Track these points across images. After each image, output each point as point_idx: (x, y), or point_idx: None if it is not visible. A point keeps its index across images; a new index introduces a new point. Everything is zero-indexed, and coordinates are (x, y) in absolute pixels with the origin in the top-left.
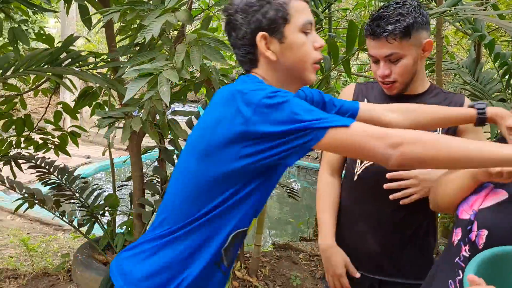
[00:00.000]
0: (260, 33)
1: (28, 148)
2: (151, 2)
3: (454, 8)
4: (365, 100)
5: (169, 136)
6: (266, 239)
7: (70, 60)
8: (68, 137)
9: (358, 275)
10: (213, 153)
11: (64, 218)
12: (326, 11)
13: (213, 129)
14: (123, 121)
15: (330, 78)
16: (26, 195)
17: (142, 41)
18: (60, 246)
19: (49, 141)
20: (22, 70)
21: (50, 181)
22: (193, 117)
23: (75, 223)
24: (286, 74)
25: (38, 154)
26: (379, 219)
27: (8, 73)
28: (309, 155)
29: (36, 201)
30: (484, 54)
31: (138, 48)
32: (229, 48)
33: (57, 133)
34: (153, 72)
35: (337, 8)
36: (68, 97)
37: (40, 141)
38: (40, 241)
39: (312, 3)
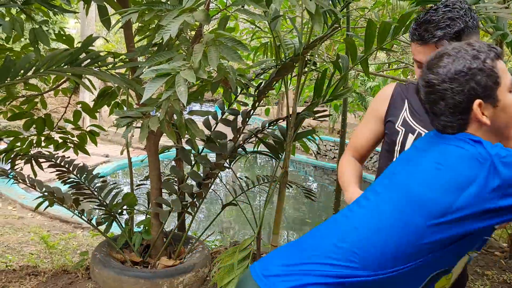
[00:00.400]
0: (477, 101)
1: (48, 147)
2: (169, 2)
3: (476, 6)
4: (406, 101)
5: (186, 136)
6: (282, 240)
7: (89, 60)
8: (87, 136)
9: None
10: (456, 218)
11: (83, 217)
12: (344, 10)
13: (457, 193)
14: (141, 121)
15: (348, 77)
16: (46, 193)
17: (160, 41)
18: (79, 244)
19: (68, 140)
20: (42, 70)
21: (70, 180)
22: (210, 116)
23: (94, 221)
24: (494, 133)
25: (58, 153)
26: None
27: (29, 73)
28: (326, 155)
29: (56, 200)
30: (506, 53)
31: (156, 48)
32: (246, 48)
33: (76, 132)
34: (171, 72)
35: (356, 7)
36: (88, 97)
37: (60, 140)
38: (59, 239)
39: (330, 2)
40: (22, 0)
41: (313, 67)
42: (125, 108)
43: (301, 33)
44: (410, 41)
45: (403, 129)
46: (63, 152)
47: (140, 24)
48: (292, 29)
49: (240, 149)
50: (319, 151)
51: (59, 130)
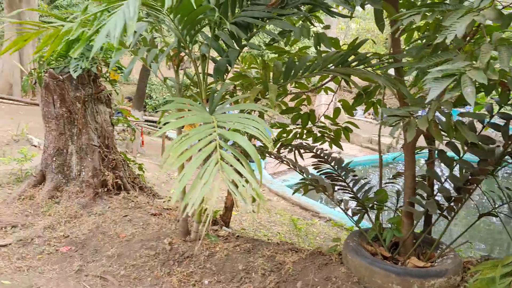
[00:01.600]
0: None
1: (307, 139)
2: (448, 2)
3: None
4: None
5: (446, 138)
6: None
7: (357, 61)
8: (342, 132)
9: None
10: None
11: (341, 206)
12: None
13: None
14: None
15: None
16: (306, 181)
17: (437, 42)
18: (318, 231)
19: (326, 134)
20: (317, 70)
21: (324, 171)
22: (475, 120)
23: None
24: None
25: (316, 145)
26: None
27: (306, 73)
28: None
29: (316, 186)
30: None
31: (430, 49)
32: None
33: (333, 128)
34: (455, 72)
35: None
36: (338, 96)
37: (319, 134)
38: (302, 224)
39: None
40: (308, 9)
41: None
42: (378, 108)
43: None
44: None
45: None
46: (320, 144)
47: (402, 26)
48: None
49: (507, 156)
50: None
51: (319, 125)
